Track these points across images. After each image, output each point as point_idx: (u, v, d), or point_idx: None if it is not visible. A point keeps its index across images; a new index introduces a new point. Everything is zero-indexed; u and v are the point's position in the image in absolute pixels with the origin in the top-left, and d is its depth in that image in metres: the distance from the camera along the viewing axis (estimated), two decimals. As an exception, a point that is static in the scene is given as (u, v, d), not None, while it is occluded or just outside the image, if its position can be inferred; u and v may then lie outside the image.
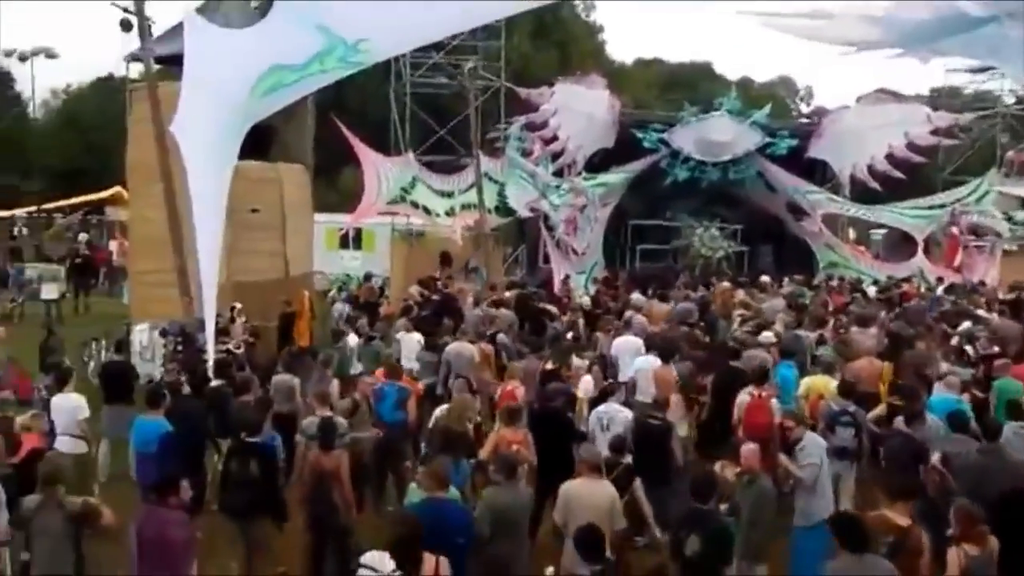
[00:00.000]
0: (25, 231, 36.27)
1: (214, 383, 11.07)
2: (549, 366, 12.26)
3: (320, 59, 12.78)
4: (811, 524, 8.56)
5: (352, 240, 30.47)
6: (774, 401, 10.59)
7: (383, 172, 21.91)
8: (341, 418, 9.63)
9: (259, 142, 15.52)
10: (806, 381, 11.64)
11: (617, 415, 9.93)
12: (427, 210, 23.18)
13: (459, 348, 12.97)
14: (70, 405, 10.08)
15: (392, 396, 10.62)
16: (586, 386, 11.61)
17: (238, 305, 14.56)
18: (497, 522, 7.33)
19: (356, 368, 13.27)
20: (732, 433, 10.46)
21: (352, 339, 14.13)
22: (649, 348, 12.53)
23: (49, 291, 23.26)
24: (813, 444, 9.01)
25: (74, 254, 26.45)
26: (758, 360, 11.71)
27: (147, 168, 14.38)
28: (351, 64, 13.12)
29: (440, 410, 10.12)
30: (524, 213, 24.27)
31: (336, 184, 38.68)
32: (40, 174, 53.74)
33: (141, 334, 14.93)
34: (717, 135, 26.31)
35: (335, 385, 11.32)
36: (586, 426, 10.45)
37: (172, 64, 15.23)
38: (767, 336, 13.27)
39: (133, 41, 14.97)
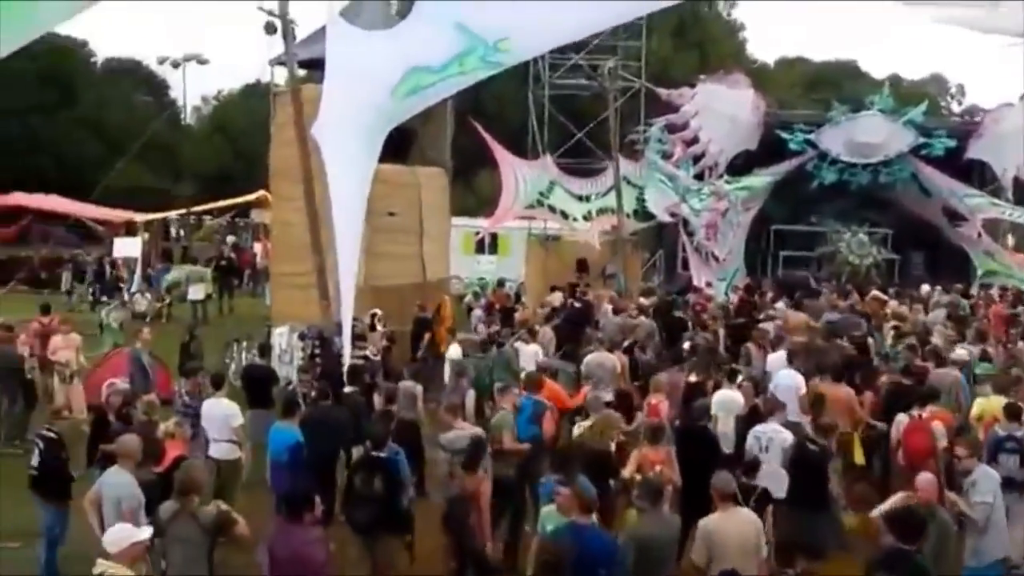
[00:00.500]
0: (182, 232, 37.97)
1: (347, 389, 10.89)
2: (693, 379, 11.55)
3: (460, 60, 12.54)
4: (984, 564, 7.85)
5: (488, 244, 30.40)
6: (937, 424, 9.70)
7: (521, 176, 21.63)
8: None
9: (398, 145, 15.46)
10: (980, 402, 10.59)
11: (776, 436, 9.18)
12: (564, 214, 22.78)
13: (600, 358, 12.38)
14: (224, 411, 9.97)
15: (528, 409, 10.05)
16: (721, 400, 10.60)
17: (378, 311, 14.49)
18: (641, 553, 6.80)
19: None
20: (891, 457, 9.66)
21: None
22: (791, 361, 11.71)
23: (196, 292, 24.05)
24: (986, 478, 8.08)
25: (220, 256, 27.38)
26: (950, 379, 10.78)
27: (289, 171, 14.51)
28: (491, 65, 12.82)
29: (580, 426, 9.63)
30: (663, 217, 23.60)
31: (473, 187, 38.82)
32: (191, 178, 56.27)
33: (280, 337, 15.06)
34: (868, 136, 24.98)
35: (471, 396, 10.98)
36: (728, 445, 9.83)
37: (315, 68, 15.35)
38: (960, 354, 12.22)
39: (278, 45, 15.16)
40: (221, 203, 32.36)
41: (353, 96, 12.73)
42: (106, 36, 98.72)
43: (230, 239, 31.81)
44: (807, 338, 14.23)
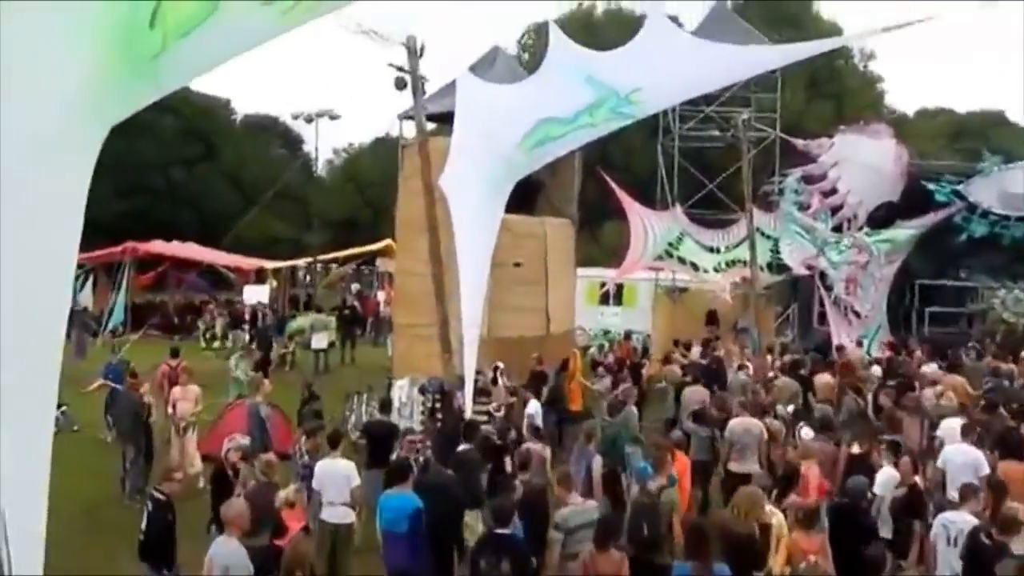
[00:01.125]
0: (308, 279, 38.70)
1: (462, 447, 10.24)
2: (855, 450, 10.43)
3: (590, 111, 12.15)
4: None
5: (613, 295, 29.72)
6: None
7: (650, 226, 21.02)
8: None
9: (525, 195, 15.14)
10: None
11: (966, 527, 7.85)
12: (695, 266, 21.99)
13: (746, 424, 11.31)
14: (341, 472, 9.37)
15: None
16: (887, 480, 9.40)
17: (501, 364, 14.05)
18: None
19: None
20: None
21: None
22: (967, 434, 10.39)
23: (319, 340, 24.17)
24: None
25: (343, 305, 27.51)
26: None
27: (416, 222, 14.28)
28: (622, 116, 12.41)
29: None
30: (799, 270, 22.47)
31: (598, 238, 38.33)
32: (321, 227, 57.81)
33: (400, 390, 14.75)
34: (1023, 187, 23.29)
35: (598, 463, 10.20)
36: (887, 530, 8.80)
37: (444, 121, 15.20)
38: None
39: (407, 100, 15.11)
40: (347, 251, 32.81)
41: (482, 147, 12.48)
42: (247, 94, 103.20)
43: (354, 287, 32.06)
44: (966, 406, 12.94)
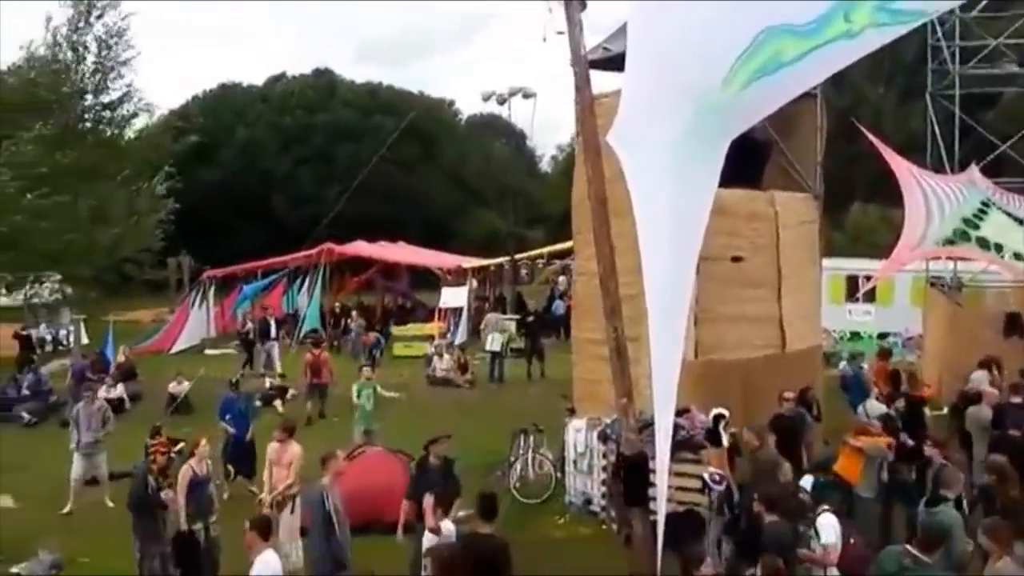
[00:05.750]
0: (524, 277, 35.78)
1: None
2: None
3: (844, 13, 7.88)
4: None
5: (863, 290, 24.46)
6: None
7: (934, 195, 14.91)
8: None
9: (744, 162, 10.86)
10: None
11: None
12: (999, 248, 15.27)
13: None
14: None
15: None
16: None
17: (725, 414, 9.62)
18: None
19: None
20: None
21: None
22: None
23: (494, 342, 21.04)
24: None
25: (525, 310, 23.74)
26: None
27: (589, 207, 10.32)
28: (899, 16, 7.94)
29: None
30: None
31: (842, 221, 32.71)
32: (543, 223, 55.38)
33: (577, 434, 10.94)
34: None
35: None
36: None
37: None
38: None
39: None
40: (552, 248, 29.31)
41: (671, 83, 8.46)
42: (471, 93, 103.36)
43: (561, 280, 28.31)
44: None
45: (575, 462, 11.02)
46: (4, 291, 28.55)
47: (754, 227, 12.29)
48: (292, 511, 9.23)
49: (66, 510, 12.10)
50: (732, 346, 11.75)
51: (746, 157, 11.37)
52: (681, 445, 9.36)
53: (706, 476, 8.80)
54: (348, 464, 10.68)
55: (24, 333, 25.42)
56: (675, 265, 8.70)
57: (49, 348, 27.40)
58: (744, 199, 12.12)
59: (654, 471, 8.50)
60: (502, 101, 27.97)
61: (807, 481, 8.41)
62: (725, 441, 9.34)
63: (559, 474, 11.67)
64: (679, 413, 9.14)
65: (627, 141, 8.49)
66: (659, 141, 8.45)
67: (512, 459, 12.02)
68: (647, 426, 9.13)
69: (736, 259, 11.96)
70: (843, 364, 17.56)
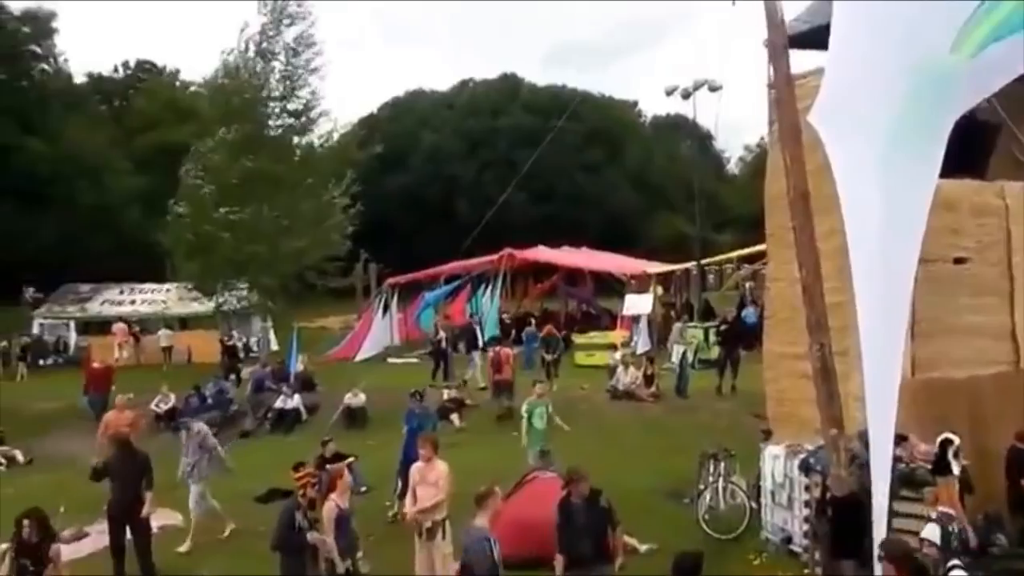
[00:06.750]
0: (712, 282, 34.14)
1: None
2: None
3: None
4: None
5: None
6: None
7: None
8: None
9: (969, 146, 9.33)
10: None
11: None
12: None
13: None
14: None
15: None
16: None
17: (954, 440, 8.13)
18: None
19: None
20: None
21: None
22: None
23: (678, 352, 19.72)
24: None
25: (722, 318, 22.01)
26: None
27: (787, 205, 9.02)
28: None
29: None
30: None
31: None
32: (731, 226, 53.25)
33: (775, 461, 9.63)
34: None
35: None
36: None
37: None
38: None
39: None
40: (741, 252, 27.50)
41: (882, 54, 7.20)
42: (652, 95, 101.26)
43: (749, 285, 26.47)
44: None
45: (773, 493, 9.67)
46: (201, 296, 29.67)
47: (981, 223, 10.53)
48: (444, 536, 8.44)
49: (225, 533, 11.41)
50: (956, 363, 10.07)
51: (970, 142, 9.73)
52: (900, 480, 7.94)
53: (933, 517, 7.37)
54: (518, 491, 9.91)
55: (229, 343, 26.12)
56: (890, 268, 7.43)
57: (242, 355, 28.13)
58: (969, 191, 10.40)
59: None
60: (687, 95, 26.45)
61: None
62: (955, 471, 7.85)
63: (754, 504, 10.38)
64: (896, 442, 7.79)
65: (833, 122, 7.28)
66: (871, 122, 7.20)
67: (701, 487, 10.82)
68: (856, 458, 7.86)
69: (960, 261, 10.27)
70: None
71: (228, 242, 24.33)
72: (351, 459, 12.51)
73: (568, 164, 59.22)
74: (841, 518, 7.32)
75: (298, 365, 22.14)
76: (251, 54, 26.11)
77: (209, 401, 20.07)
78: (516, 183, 19.04)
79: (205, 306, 29.96)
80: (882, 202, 7.31)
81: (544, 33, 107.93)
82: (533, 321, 26.66)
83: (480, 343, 23.27)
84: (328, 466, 11.00)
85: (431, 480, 8.50)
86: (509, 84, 65.53)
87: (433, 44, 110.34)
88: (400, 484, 11.61)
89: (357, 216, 26.92)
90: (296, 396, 19.56)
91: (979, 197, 10.51)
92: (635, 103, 75.77)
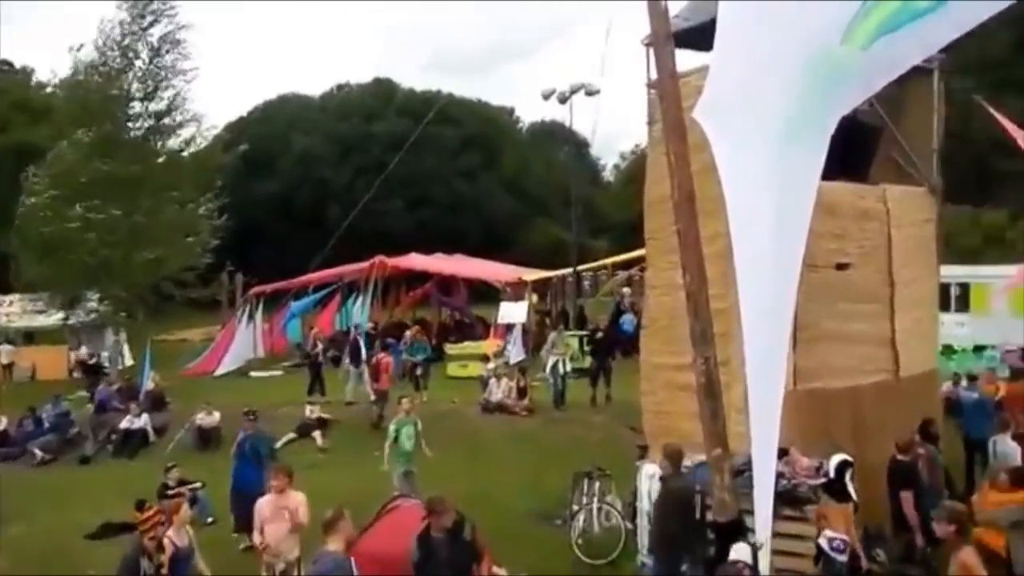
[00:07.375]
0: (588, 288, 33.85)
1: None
2: None
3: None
4: None
5: (955, 298, 22.13)
6: None
7: None
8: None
9: (852, 148, 8.98)
10: None
11: None
12: None
13: None
14: None
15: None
16: None
17: (848, 460, 7.56)
18: None
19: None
20: None
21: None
22: None
23: (551, 362, 18.98)
24: None
25: (595, 326, 21.52)
26: None
27: (668, 208, 8.42)
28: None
29: None
30: None
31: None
32: (607, 233, 53.54)
33: (650, 480, 9.02)
34: None
35: None
36: None
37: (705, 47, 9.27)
38: None
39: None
40: (616, 258, 27.21)
41: (774, 40, 6.68)
42: (530, 102, 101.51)
43: (626, 291, 26.07)
44: None
45: (649, 514, 9.09)
46: (48, 309, 27.66)
47: (863, 228, 10.24)
48: (298, 579, 7.48)
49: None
50: (837, 372, 9.73)
51: (852, 144, 9.42)
52: (781, 498, 7.39)
53: (823, 542, 6.85)
54: (377, 522, 8.96)
55: (92, 361, 24.23)
56: (776, 273, 6.90)
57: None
58: (852, 194, 10.10)
59: (749, 531, 6.69)
60: (563, 100, 26.02)
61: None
62: (853, 495, 7.37)
63: (630, 525, 9.76)
64: (777, 455, 7.27)
65: (718, 117, 6.68)
66: (758, 116, 6.63)
67: (575, 507, 10.14)
68: (739, 473, 7.30)
69: (841, 266, 9.94)
70: (947, 384, 15.39)
71: (81, 243, 22.74)
72: (197, 485, 11.36)
73: (444, 170, 58.53)
74: (722, 542, 6.71)
75: (148, 383, 20.37)
76: (111, 52, 24.67)
77: (47, 424, 18.33)
78: (390, 188, 17.96)
79: (52, 319, 27.87)
80: (768, 202, 6.79)
81: (425, 40, 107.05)
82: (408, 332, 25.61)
83: (363, 355, 21.89)
84: (168, 497, 9.89)
85: (284, 516, 7.52)
86: (383, 88, 64.27)
87: (310, 51, 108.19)
88: (234, 520, 10.54)
89: (223, 228, 25.68)
90: (144, 416, 17.91)
91: (862, 201, 10.23)
92: (512, 110, 75.61)
